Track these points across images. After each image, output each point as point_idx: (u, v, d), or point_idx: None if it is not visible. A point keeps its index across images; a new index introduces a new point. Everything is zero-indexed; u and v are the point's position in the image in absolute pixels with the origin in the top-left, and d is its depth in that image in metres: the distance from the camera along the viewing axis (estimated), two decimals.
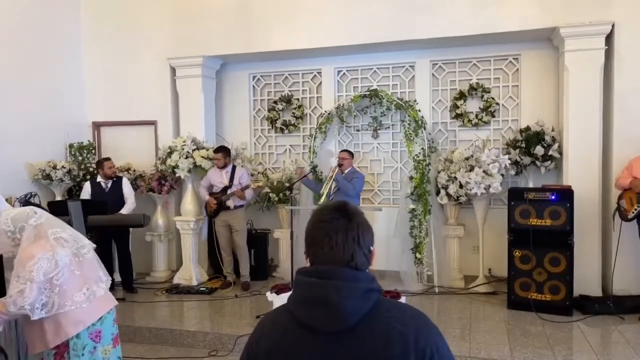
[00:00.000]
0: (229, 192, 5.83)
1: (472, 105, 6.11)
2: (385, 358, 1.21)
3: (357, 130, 6.51)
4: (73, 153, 6.61)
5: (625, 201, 4.75)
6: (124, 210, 5.80)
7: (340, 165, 5.59)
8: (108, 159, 5.99)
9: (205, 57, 6.42)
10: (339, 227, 1.31)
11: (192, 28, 6.46)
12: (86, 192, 5.88)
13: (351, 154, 5.79)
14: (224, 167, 5.90)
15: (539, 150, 5.36)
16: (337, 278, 1.26)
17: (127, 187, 5.97)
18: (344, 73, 6.58)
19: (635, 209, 4.63)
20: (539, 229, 4.83)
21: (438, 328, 1.32)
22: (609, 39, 5.18)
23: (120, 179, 6.01)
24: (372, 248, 1.36)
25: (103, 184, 5.90)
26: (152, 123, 6.76)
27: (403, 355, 1.21)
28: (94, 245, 2.66)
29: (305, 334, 1.27)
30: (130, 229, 6.01)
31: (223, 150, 5.94)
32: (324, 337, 1.25)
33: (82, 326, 2.43)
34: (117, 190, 5.91)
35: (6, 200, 4.21)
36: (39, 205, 5.22)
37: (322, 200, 5.40)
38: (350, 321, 1.23)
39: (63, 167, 6.13)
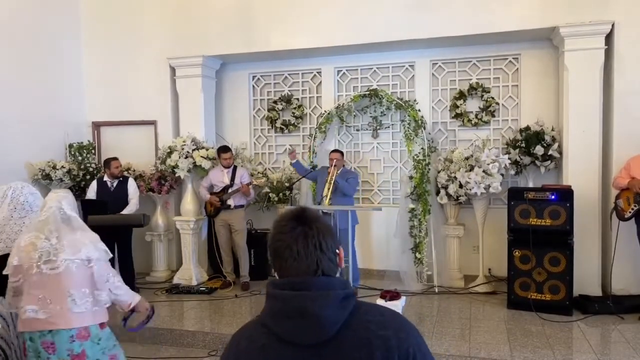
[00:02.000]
0: (230, 190, 5.84)
1: (472, 105, 6.10)
2: None
3: (357, 130, 6.51)
4: (73, 153, 6.61)
5: (622, 201, 4.75)
6: (125, 211, 5.80)
7: (334, 166, 5.58)
8: (115, 158, 5.97)
9: (205, 57, 6.42)
10: (298, 236, 1.27)
11: (192, 28, 6.46)
12: (92, 190, 5.89)
13: (342, 154, 5.88)
14: (229, 166, 5.92)
15: (538, 150, 5.36)
16: (311, 288, 1.23)
17: (132, 188, 5.97)
18: (344, 73, 6.57)
19: (632, 209, 4.63)
20: (539, 229, 4.83)
21: (415, 326, 1.31)
22: (609, 38, 5.18)
23: (126, 179, 6.01)
24: (337, 251, 1.33)
25: (109, 183, 5.90)
26: (152, 123, 6.76)
27: (387, 359, 1.20)
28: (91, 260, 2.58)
29: (285, 348, 1.23)
30: (133, 230, 6.01)
31: (230, 149, 5.99)
32: (304, 350, 1.22)
33: (21, 328, 2.56)
34: (122, 190, 5.91)
35: None
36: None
37: (326, 202, 5.38)
38: (330, 331, 1.21)
39: (63, 167, 6.13)
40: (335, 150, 5.88)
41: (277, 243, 1.29)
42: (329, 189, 5.43)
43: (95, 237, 2.68)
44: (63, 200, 2.65)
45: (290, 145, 6.60)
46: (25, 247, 2.53)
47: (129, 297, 2.76)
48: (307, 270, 1.27)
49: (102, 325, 2.65)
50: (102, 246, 2.66)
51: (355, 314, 1.25)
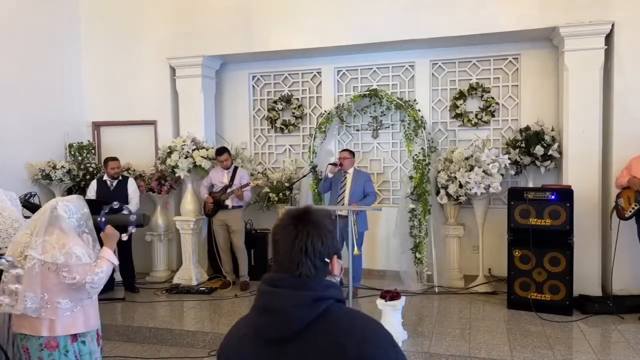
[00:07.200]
0: (228, 191, 5.84)
1: (472, 105, 6.10)
2: None
3: (357, 130, 6.51)
4: (73, 153, 6.61)
5: (623, 200, 4.75)
6: (125, 211, 5.78)
7: (340, 165, 5.48)
8: (114, 158, 5.92)
9: (205, 57, 6.42)
10: (288, 235, 1.31)
11: (192, 28, 6.46)
12: (92, 190, 5.88)
13: (353, 153, 5.66)
14: (227, 167, 5.90)
15: (538, 150, 5.36)
16: (283, 286, 1.28)
17: (132, 188, 5.95)
18: (344, 73, 6.57)
19: (633, 208, 4.63)
20: (539, 229, 4.83)
21: (389, 337, 1.27)
22: (609, 38, 5.18)
23: (126, 179, 5.99)
24: (327, 259, 1.32)
25: (109, 183, 5.89)
26: (152, 123, 6.76)
27: None
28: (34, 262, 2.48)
29: (256, 341, 1.30)
30: None
31: (227, 150, 5.95)
32: (271, 344, 1.27)
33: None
34: (122, 189, 5.88)
35: None
36: (37, 206, 5.23)
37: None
38: (291, 328, 1.24)
39: (63, 167, 6.13)
40: (344, 150, 5.68)
41: (274, 236, 1.36)
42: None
43: (74, 241, 2.53)
44: (60, 202, 2.60)
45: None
46: (16, 242, 2.56)
47: (109, 264, 2.66)
48: (288, 269, 1.30)
49: (74, 337, 2.54)
50: (77, 250, 2.50)
51: (324, 316, 1.25)
